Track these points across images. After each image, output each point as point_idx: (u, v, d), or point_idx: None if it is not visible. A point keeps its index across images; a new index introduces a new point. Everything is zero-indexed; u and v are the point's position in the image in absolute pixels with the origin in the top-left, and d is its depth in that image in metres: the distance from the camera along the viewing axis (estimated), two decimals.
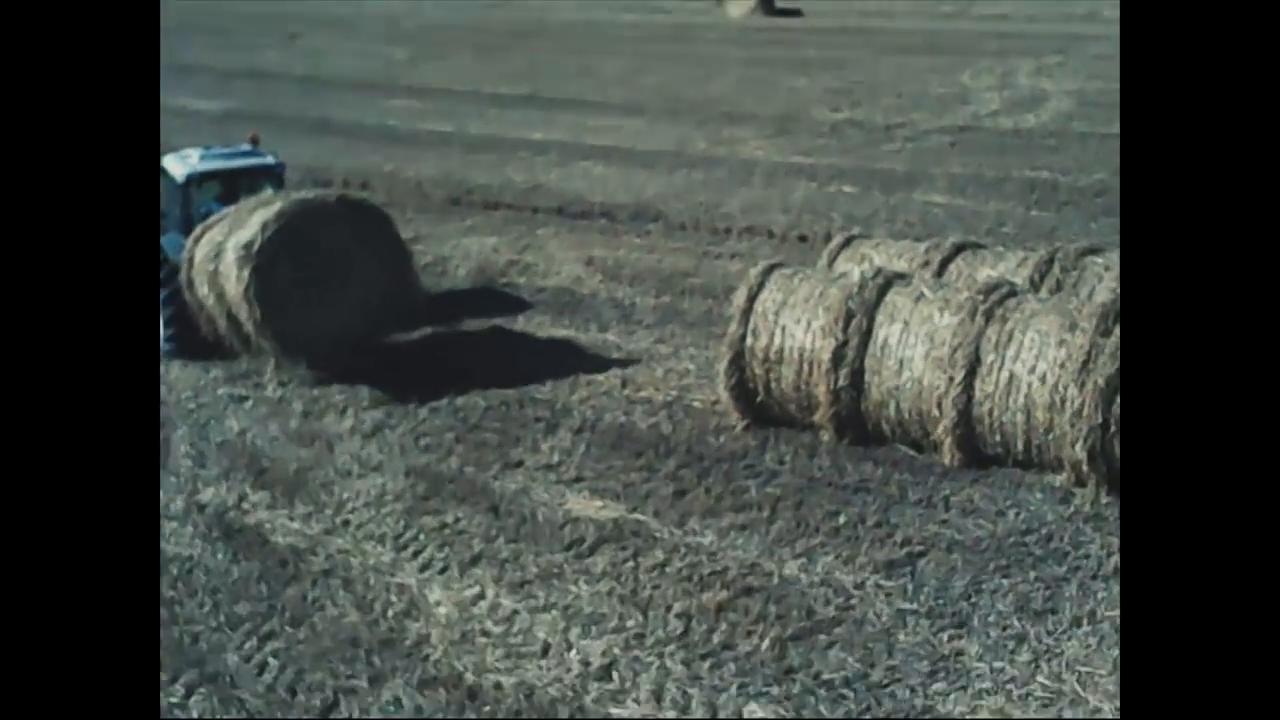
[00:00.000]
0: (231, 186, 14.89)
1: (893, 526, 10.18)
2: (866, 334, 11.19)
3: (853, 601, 9.25)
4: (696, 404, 12.73)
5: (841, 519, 10.32)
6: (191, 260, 13.60)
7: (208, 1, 52.11)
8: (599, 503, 10.86)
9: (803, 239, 18.15)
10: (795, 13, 41.87)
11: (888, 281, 11.48)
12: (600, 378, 13.44)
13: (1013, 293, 11.13)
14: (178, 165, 14.80)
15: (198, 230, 13.81)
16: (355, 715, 8.23)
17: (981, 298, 10.98)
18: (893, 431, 11.38)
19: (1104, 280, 11.86)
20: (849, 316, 11.24)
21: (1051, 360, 10.41)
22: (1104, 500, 10.33)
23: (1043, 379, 10.42)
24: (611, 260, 17.42)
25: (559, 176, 22.02)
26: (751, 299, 11.71)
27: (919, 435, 11.26)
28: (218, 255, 13.24)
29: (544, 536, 10.27)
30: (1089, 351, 10.20)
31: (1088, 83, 27.20)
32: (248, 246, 12.84)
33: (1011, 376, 10.58)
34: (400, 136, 25.41)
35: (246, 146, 15.67)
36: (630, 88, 29.99)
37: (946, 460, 11.02)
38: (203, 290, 13.48)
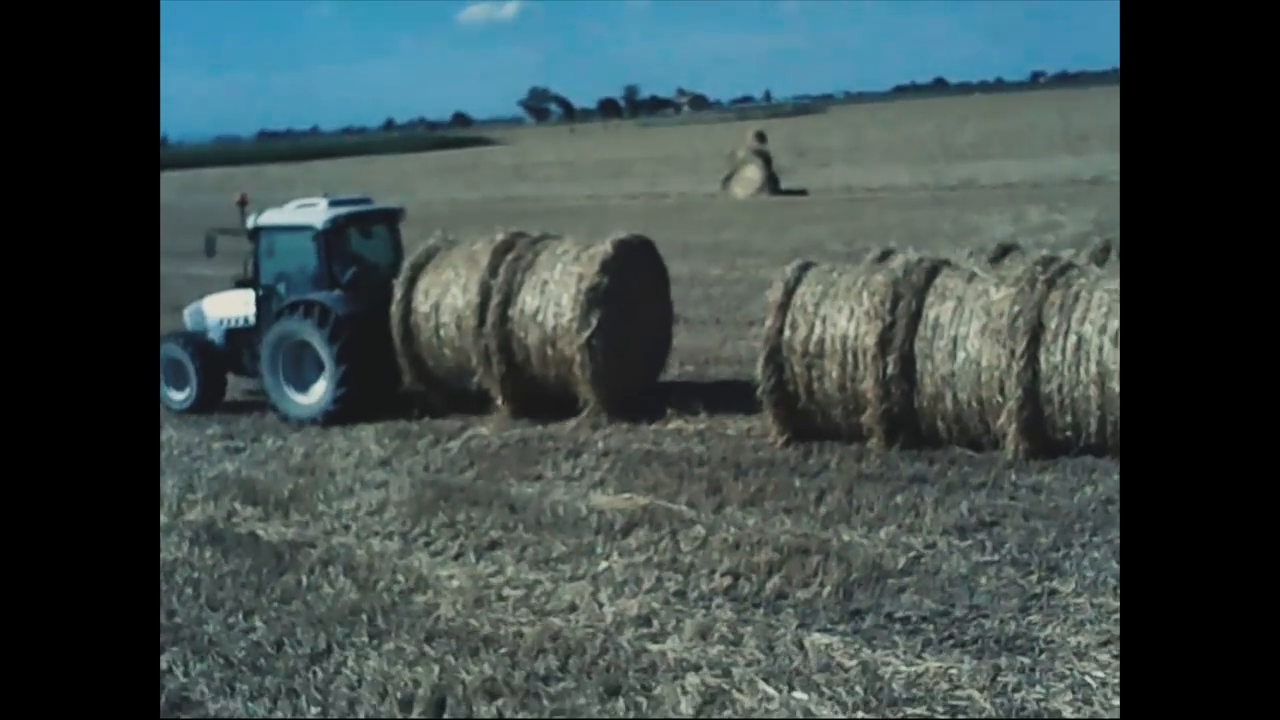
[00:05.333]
0: (365, 234, 13.91)
1: (956, 503, 9.09)
2: (916, 316, 10.31)
3: (924, 557, 8.10)
4: (730, 431, 11.73)
5: (899, 499, 9.24)
6: (410, 309, 12.65)
7: None
8: (626, 495, 9.80)
9: None
10: (801, 192, 42.56)
11: (935, 266, 10.69)
12: (625, 424, 12.41)
13: (1072, 265, 10.34)
14: (307, 214, 13.42)
15: (406, 275, 12.74)
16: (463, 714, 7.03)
17: (1041, 268, 10.17)
18: (949, 430, 10.35)
19: None
20: (896, 299, 10.38)
21: None
22: None
23: (1115, 339, 9.48)
24: None
25: None
26: (789, 292, 10.86)
27: (979, 431, 10.23)
28: (501, 301, 12.19)
29: (568, 526, 9.16)
30: None
31: (1103, 214, 27.00)
32: (593, 290, 11.88)
33: (1080, 341, 9.63)
34: None
35: (355, 195, 14.65)
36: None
37: (1011, 453, 9.95)
38: (430, 339, 12.62)
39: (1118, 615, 6.98)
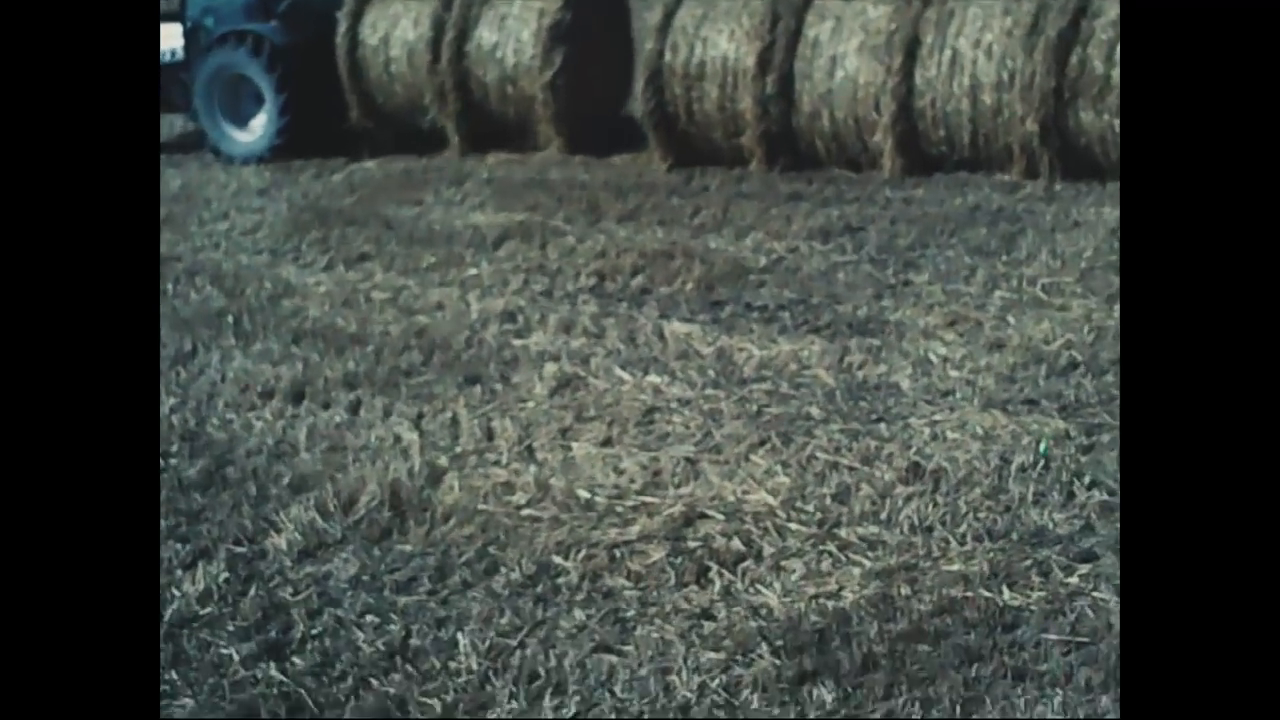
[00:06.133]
0: None
1: (828, 213, 9.20)
2: (795, 35, 10.19)
3: (786, 259, 8.25)
4: (617, 161, 11.67)
5: (773, 213, 9.33)
6: (357, 41, 12.03)
7: None
8: (504, 213, 9.79)
9: None
10: None
11: None
12: (507, 155, 12.22)
13: None
14: None
15: (351, 4, 12.05)
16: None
17: None
18: (828, 150, 10.38)
19: None
20: (775, 19, 10.24)
21: (998, 30, 9.49)
22: (1058, 187, 9.46)
23: (988, 52, 9.48)
24: None
25: None
26: (669, 14, 10.65)
27: (857, 152, 10.27)
28: (456, 36, 11.62)
29: (441, 240, 9.16)
30: (1037, 13, 9.29)
31: None
32: (555, 26, 11.29)
33: (955, 55, 9.61)
34: None
35: None
36: None
37: (887, 169, 10.04)
38: (380, 74, 12.09)
39: (968, 299, 7.24)
